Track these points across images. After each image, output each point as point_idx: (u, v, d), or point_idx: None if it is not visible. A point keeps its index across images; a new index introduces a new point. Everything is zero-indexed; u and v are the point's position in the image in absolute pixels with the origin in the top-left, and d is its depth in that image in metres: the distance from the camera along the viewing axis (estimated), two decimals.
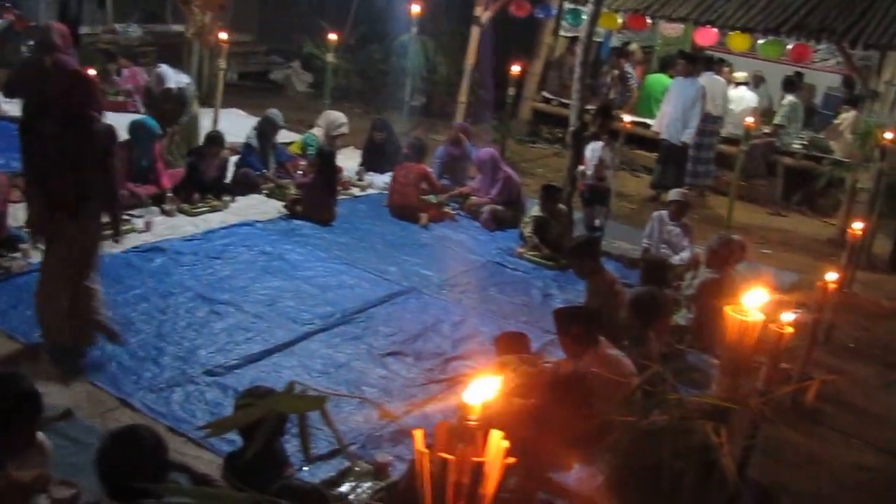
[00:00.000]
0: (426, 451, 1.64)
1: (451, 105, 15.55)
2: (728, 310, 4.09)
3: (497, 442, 1.64)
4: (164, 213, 8.85)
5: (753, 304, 4.13)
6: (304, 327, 6.96)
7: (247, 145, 10.02)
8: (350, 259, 8.54)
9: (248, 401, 4.03)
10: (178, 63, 14.23)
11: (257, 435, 1.99)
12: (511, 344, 5.95)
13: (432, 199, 10.19)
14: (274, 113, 10.27)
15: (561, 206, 9.49)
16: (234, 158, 10.01)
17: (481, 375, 1.79)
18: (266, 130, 10.11)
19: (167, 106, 9.70)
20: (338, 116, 11.00)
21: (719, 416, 3.92)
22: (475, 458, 1.61)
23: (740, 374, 4.31)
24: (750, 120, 11.65)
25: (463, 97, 14.04)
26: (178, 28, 15.04)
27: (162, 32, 14.92)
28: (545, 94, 16.02)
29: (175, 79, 9.77)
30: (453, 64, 14.99)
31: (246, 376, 6.10)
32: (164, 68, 9.86)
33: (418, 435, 1.70)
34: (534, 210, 9.67)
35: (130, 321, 6.61)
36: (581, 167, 10.47)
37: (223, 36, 10.69)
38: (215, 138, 9.40)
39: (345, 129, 10.94)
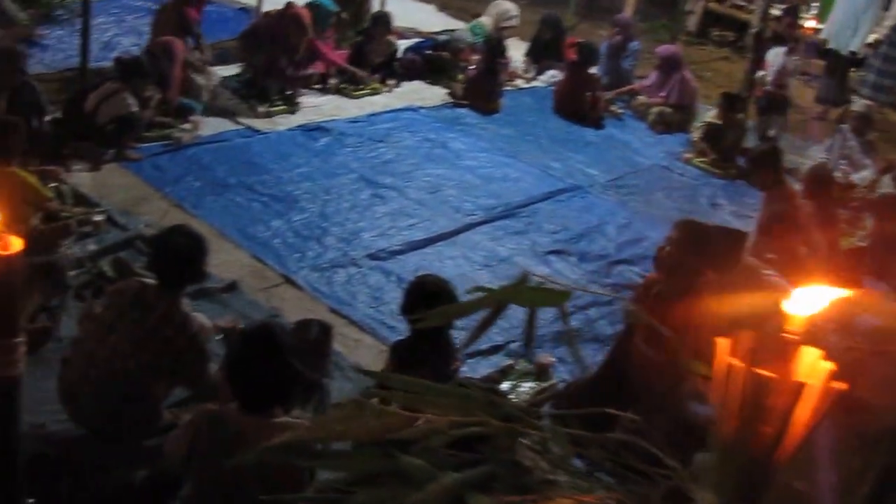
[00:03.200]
0: (738, 363, 1.40)
1: None
2: None
3: (816, 360, 1.38)
4: (324, 91, 8.75)
5: None
6: (467, 218, 6.78)
7: (432, 40, 9.85)
8: (514, 151, 8.27)
9: (436, 289, 3.85)
10: None
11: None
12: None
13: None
14: (460, 35, 9.95)
15: (739, 115, 8.96)
16: (402, 43, 9.78)
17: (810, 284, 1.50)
18: (454, 47, 9.82)
19: None
20: (509, 8, 10.55)
21: None
22: (796, 379, 1.36)
23: None
24: None
25: None
26: None
27: None
28: None
29: None
30: None
31: (408, 262, 5.99)
32: None
33: (723, 343, 1.44)
34: (707, 115, 9.17)
35: (295, 199, 6.56)
36: (761, 72, 9.86)
37: None
38: (381, 18, 9.16)
39: (514, 22, 10.49)
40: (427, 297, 3.94)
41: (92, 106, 6.67)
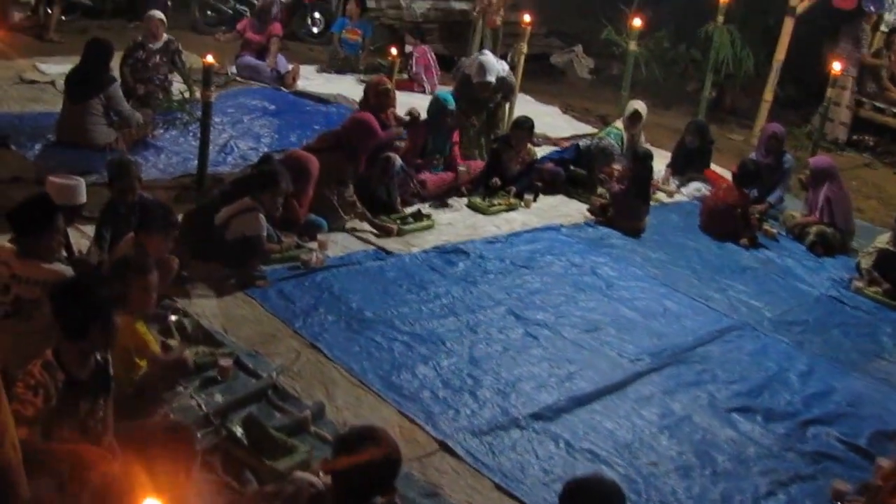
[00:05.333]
0: None
1: (742, 101, 14.11)
2: None
3: None
4: (444, 205, 8.07)
5: None
6: (633, 365, 5.90)
7: (576, 147, 9.06)
8: (669, 280, 7.40)
9: None
10: (460, 41, 13.60)
11: None
12: None
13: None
14: (609, 145, 9.17)
15: None
16: (538, 151, 9.08)
17: None
18: (597, 156, 9.02)
19: (484, 95, 8.82)
20: (638, 105, 9.70)
21: None
22: None
23: None
24: None
25: (768, 95, 12.55)
26: (460, 5, 14.31)
27: (445, 9, 14.20)
28: (858, 96, 14.22)
29: (497, 68, 8.88)
30: (756, 57, 13.43)
31: (577, 423, 5.15)
32: (488, 57, 8.92)
33: None
34: (879, 240, 8.19)
35: (440, 339, 5.78)
36: None
37: (527, 18, 9.71)
38: (522, 123, 8.46)
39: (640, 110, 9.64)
40: None
41: (222, 221, 6.05)
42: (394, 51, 8.87)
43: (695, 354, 6.22)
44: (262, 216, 6.06)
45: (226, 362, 4.97)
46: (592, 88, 14.46)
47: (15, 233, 4.72)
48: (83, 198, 5.68)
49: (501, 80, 8.89)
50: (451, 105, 8.27)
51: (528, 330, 6.09)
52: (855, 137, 13.69)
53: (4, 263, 4.60)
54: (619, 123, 9.70)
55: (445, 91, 9.20)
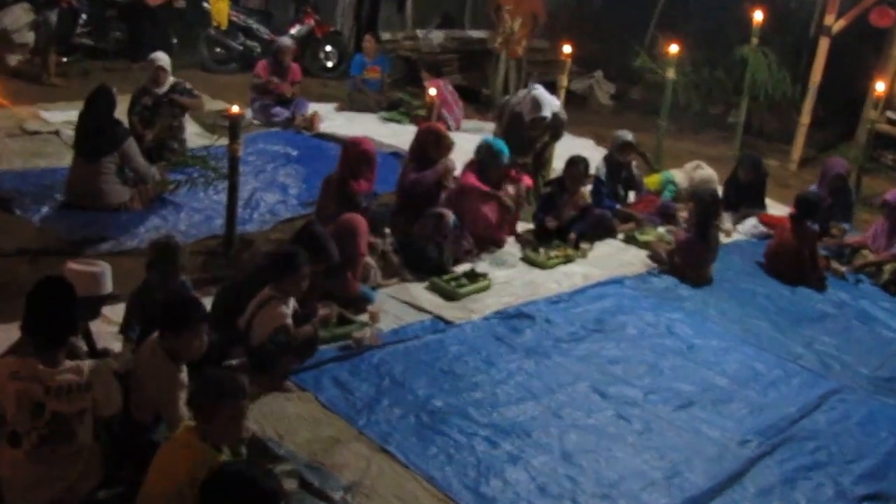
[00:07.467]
0: None
1: (770, 123, 13.49)
2: None
3: None
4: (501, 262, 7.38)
5: None
6: (742, 448, 5.17)
7: (597, 180, 8.33)
8: (750, 336, 6.69)
9: None
10: (479, 72, 12.98)
11: None
12: None
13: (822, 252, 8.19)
14: (624, 135, 8.48)
15: None
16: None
17: None
18: (617, 159, 8.33)
19: (533, 134, 8.14)
20: (711, 177, 9.09)
21: None
22: None
23: None
24: None
25: (805, 118, 11.92)
26: (477, 34, 13.68)
27: (462, 39, 13.55)
28: (890, 114, 13.62)
29: (552, 103, 8.18)
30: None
31: None
32: (540, 91, 8.22)
33: None
34: None
35: (525, 430, 5.04)
36: None
37: (567, 49, 9.04)
38: (579, 163, 7.77)
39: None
40: None
41: (246, 323, 5.20)
42: (432, 91, 8.18)
43: (802, 429, 5.51)
44: (283, 307, 5.14)
45: (290, 484, 4.22)
46: (615, 115, 13.85)
47: (35, 342, 4.00)
48: (109, 286, 4.91)
49: (555, 116, 8.19)
50: (506, 156, 7.46)
51: (619, 411, 5.38)
52: (892, 161, 13.11)
53: (35, 380, 3.88)
54: (677, 174, 9.08)
55: (495, 138, 8.52)
